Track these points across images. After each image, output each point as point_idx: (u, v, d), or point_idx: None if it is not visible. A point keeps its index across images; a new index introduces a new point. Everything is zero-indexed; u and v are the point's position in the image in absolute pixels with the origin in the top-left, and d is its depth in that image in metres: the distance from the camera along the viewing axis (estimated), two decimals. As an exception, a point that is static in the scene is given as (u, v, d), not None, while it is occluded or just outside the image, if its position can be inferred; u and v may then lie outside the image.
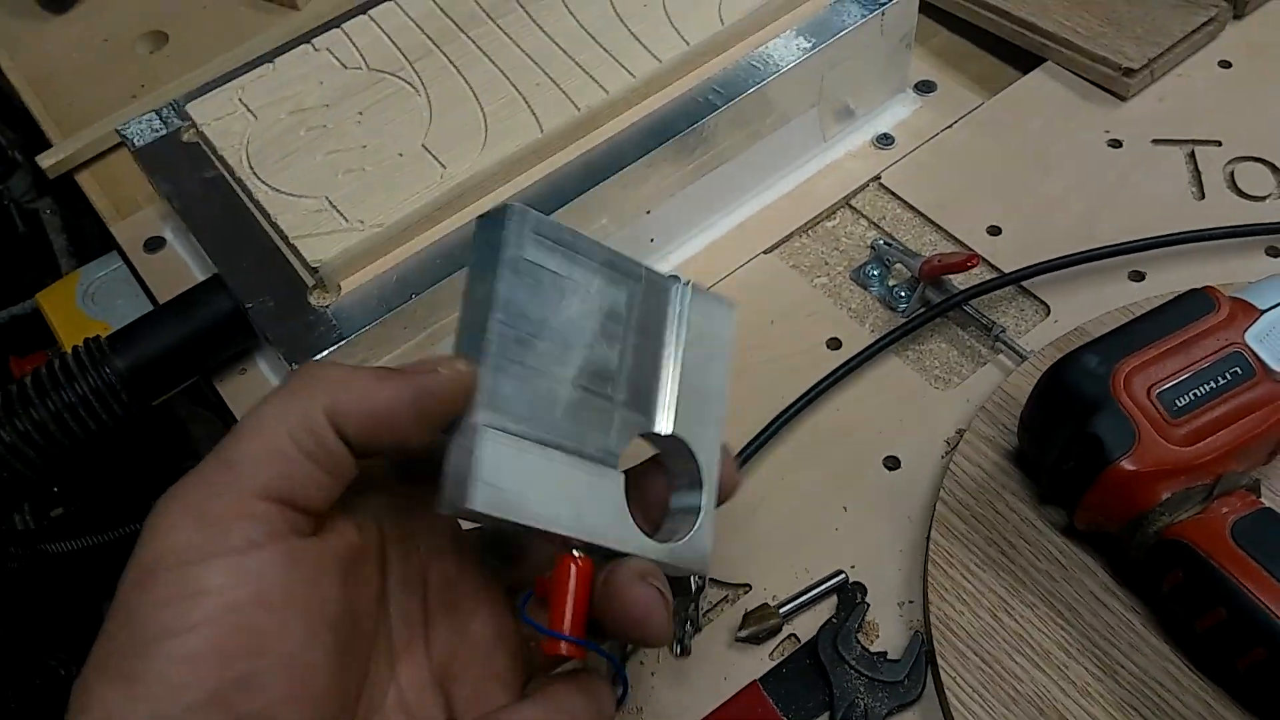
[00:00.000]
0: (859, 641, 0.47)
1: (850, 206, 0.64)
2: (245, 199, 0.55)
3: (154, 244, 0.65)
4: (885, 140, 0.65)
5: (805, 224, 0.63)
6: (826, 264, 0.61)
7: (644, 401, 0.39)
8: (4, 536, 0.70)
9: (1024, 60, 0.68)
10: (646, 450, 0.40)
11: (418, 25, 0.59)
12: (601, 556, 0.36)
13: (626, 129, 0.56)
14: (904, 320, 0.57)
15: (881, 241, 0.61)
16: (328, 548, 0.32)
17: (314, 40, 0.59)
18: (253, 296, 0.52)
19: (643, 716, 0.46)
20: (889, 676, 0.46)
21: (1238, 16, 0.68)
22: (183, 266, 0.64)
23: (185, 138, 0.58)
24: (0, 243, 0.88)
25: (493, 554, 0.39)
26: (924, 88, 0.68)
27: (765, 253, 0.62)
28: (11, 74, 0.76)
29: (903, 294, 0.59)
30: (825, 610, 0.49)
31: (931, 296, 0.58)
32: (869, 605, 0.48)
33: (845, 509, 0.52)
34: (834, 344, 0.58)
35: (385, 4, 0.60)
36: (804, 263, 0.61)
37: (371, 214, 0.52)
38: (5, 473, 0.53)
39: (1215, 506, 0.43)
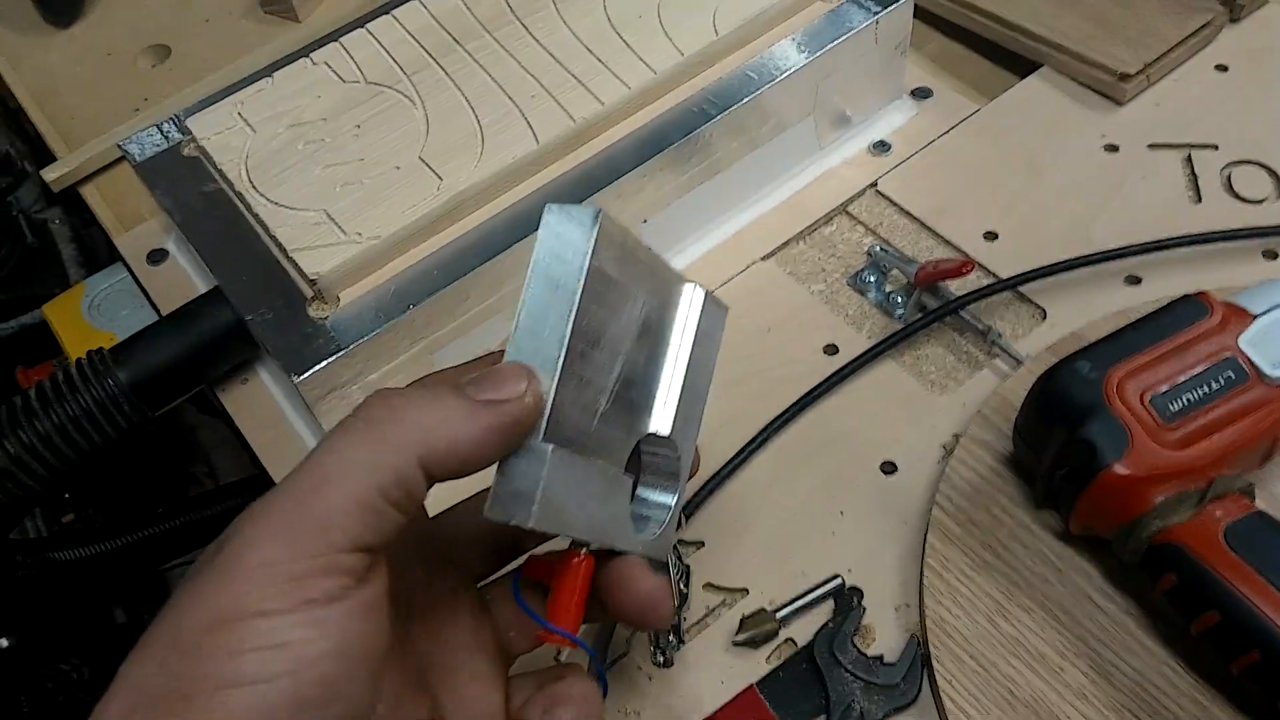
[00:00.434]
0: (855, 645, 0.47)
1: (847, 213, 0.64)
2: (245, 212, 0.55)
3: (157, 256, 0.66)
4: (881, 147, 0.66)
5: (802, 231, 0.63)
6: (823, 270, 0.62)
7: (649, 402, 0.39)
8: (11, 545, 0.71)
9: (1020, 66, 0.69)
10: None
11: (415, 39, 0.60)
12: (605, 553, 0.37)
13: (622, 139, 0.57)
14: (901, 326, 0.57)
15: (878, 248, 0.61)
16: (382, 585, 0.31)
17: (312, 54, 0.60)
18: (253, 308, 0.53)
19: (640, 722, 0.47)
20: (885, 680, 0.46)
21: (1234, 20, 0.68)
22: (185, 278, 0.64)
23: (185, 152, 0.59)
24: (9, 253, 0.89)
25: (463, 552, 0.39)
26: (920, 94, 0.68)
27: (762, 260, 0.62)
28: (15, 87, 0.77)
29: (899, 300, 0.59)
30: (822, 614, 0.49)
31: (928, 302, 0.58)
32: (865, 609, 0.49)
33: (842, 513, 0.52)
34: (831, 350, 0.58)
35: (383, 18, 0.61)
36: (801, 269, 0.62)
37: (369, 226, 0.52)
38: (10, 484, 0.53)
39: (1209, 511, 0.44)
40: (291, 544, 0.29)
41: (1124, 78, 0.65)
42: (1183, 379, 0.45)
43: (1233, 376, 0.45)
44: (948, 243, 0.61)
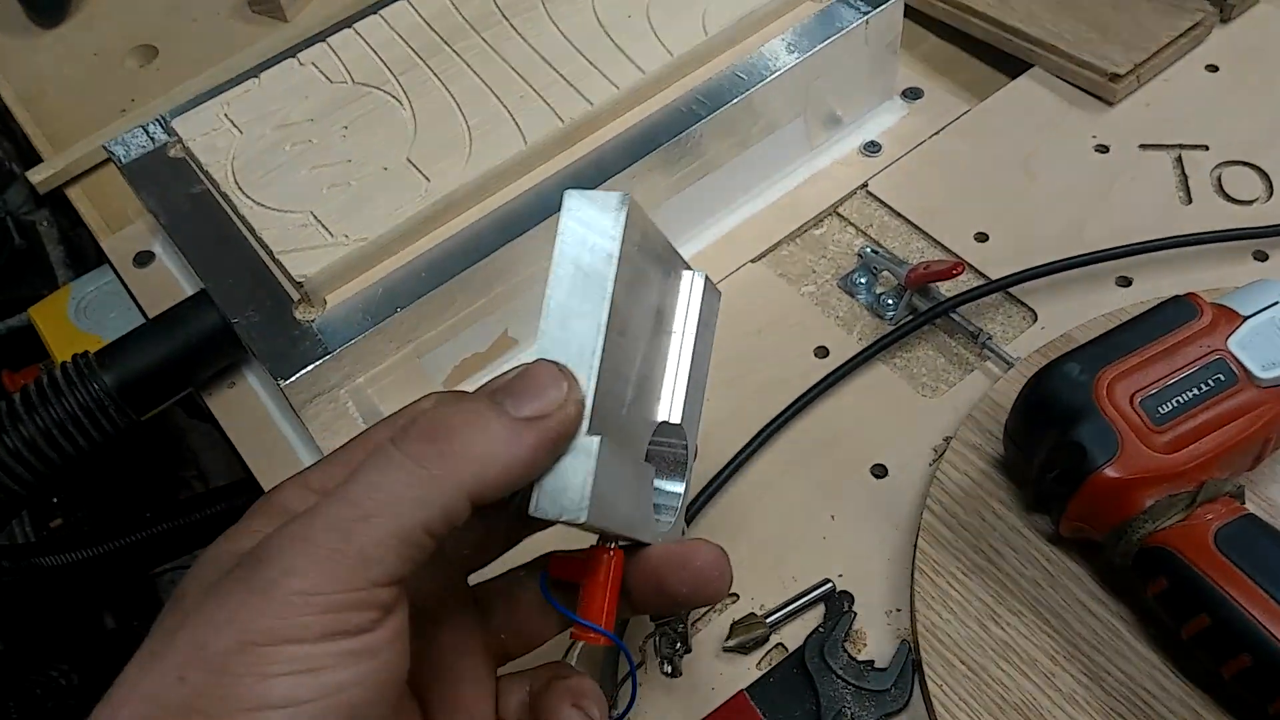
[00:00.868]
0: (846, 650, 0.47)
1: (838, 214, 0.64)
2: (231, 214, 0.55)
3: (144, 258, 0.65)
4: (872, 148, 0.66)
5: (793, 232, 0.63)
6: (814, 272, 0.61)
7: (659, 389, 0.39)
8: (-2, 551, 0.70)
9: (1011, 66, 0.68)
10: None
11: (403, 39, 0.60)
12: (628, 546, 0.37)
13: (611, 140, 0.57)
14: (891, 328, 0.57)
15: (869, 249, 0.61)
16: (405, 612, 0.31)
17: (299, 54, 0.60)
18: (239, 311, 0.52)
19: (630, 728, 0.46)
20: (876, 685, 0.46)
21: (1224, 20, 0.68)
22: (172, 281, 0.64)
23: (172, 153, 0.59)
24: (-3, 255, 0.89)
25: (452, 546, 0.39)
26: (911, 94, 0.68)
27: (753, 261, 0.62)
28: (2, 88, 0.77)
29: (890, 302, 0.59)
30: (813, 619, 0.49)
31: (918, 304, 0.58)
32: (856, 614, 0.48)
33: (833, 517, 0.52)
34: (821, 352, 0.58)
35: (370, 18, 0.61)
36: (792, 271, 0.62)
37: (356, 228, 0.52)
38: (-4, 489, 0.53)
39: (1199, 513, 0.43)
40: (332, 576, 0.29)
41: (1114, 78, 0.64)
42: (1172, 381, 0.45)
43: (1222, 379, 0.45)
44: (938, 244, 0.61)
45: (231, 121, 0.57)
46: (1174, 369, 0.45)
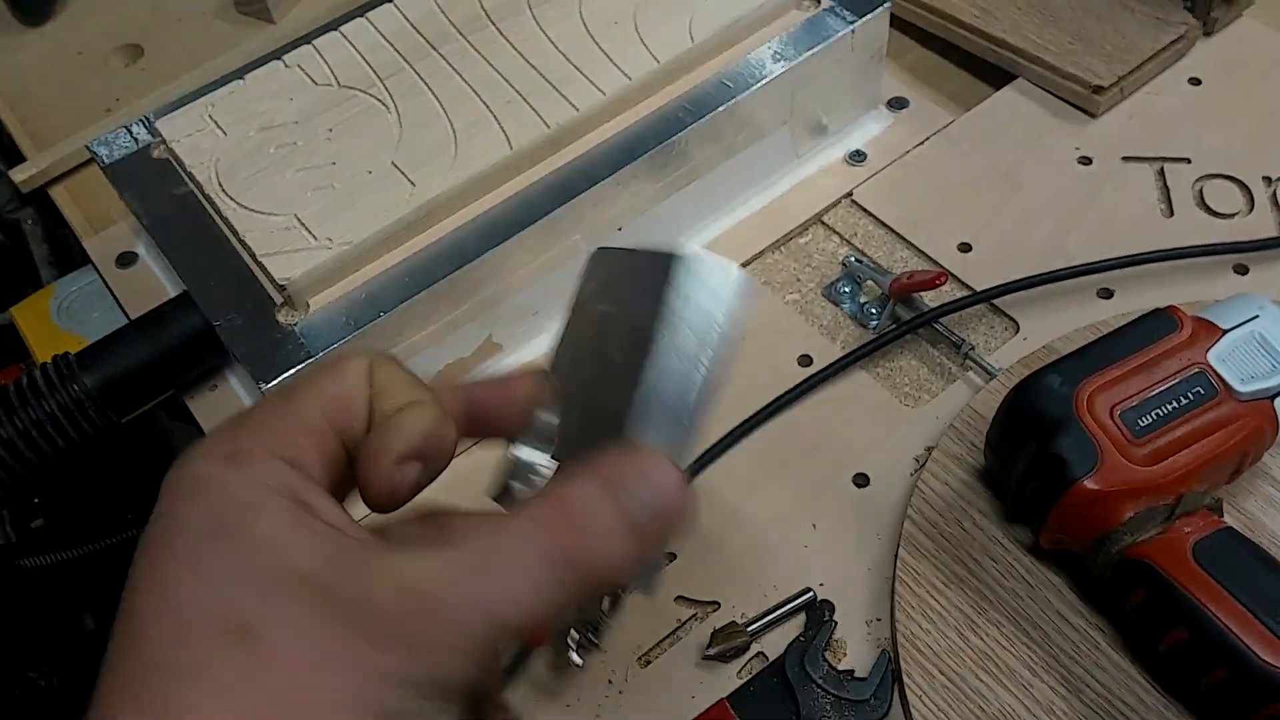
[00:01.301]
0: (826, 660, 0.47)
1: (822, 223, 0.64)
2: (214, 216, 0.55)
3: (126, 259, 0.65)
4: (857, 156, 0.66)
5: (777, 240, 0.63)
6: (798, 280, 0.61)
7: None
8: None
9: (996, 77, 0.69)
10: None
11: (389, 42, 0.59)
12: None
13: (598, 146, 0.57)
14: (874, 337, 0.57)
15: (853, 258, 0.61)
16: None
17: (285, 56, 0.59)
18: (221, 314, 0.52)
19: (609, 736, 0.46)
20: (856, 695, 0.46)
21: (1207, 34, 0.69)
22: (155, 282, 0.63)
23: (155, 154, 0.58)
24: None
25: None
26: (896, 104, 0.68)
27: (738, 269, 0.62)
28: (-15, 87, 0.76)
29: (874, 311, 0.59)
30: (793, 628, 0.49)
31: (902, 314, 0.58)
32: (837, 623, 0.48)
33: (814, 526, 0.52)
34: (805, 360, 0.58)
35: (357, 20, 0.61)
36: (776, 279, 0.62)
37: (340, 232, 0.52)
38: (-27, 490, 0.52)
39: (1177, 526, 0.44)
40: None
41: (1098, 90, 0.65)
42: (1152, 394, 0.45)
43: (1202, 391, 0.46)
44: (922, 253, 0.61)
45: (216, 123, 0.57)
46: (1154, 382, 0.46)
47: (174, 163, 0.57)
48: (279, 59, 0.59)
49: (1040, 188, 0.63)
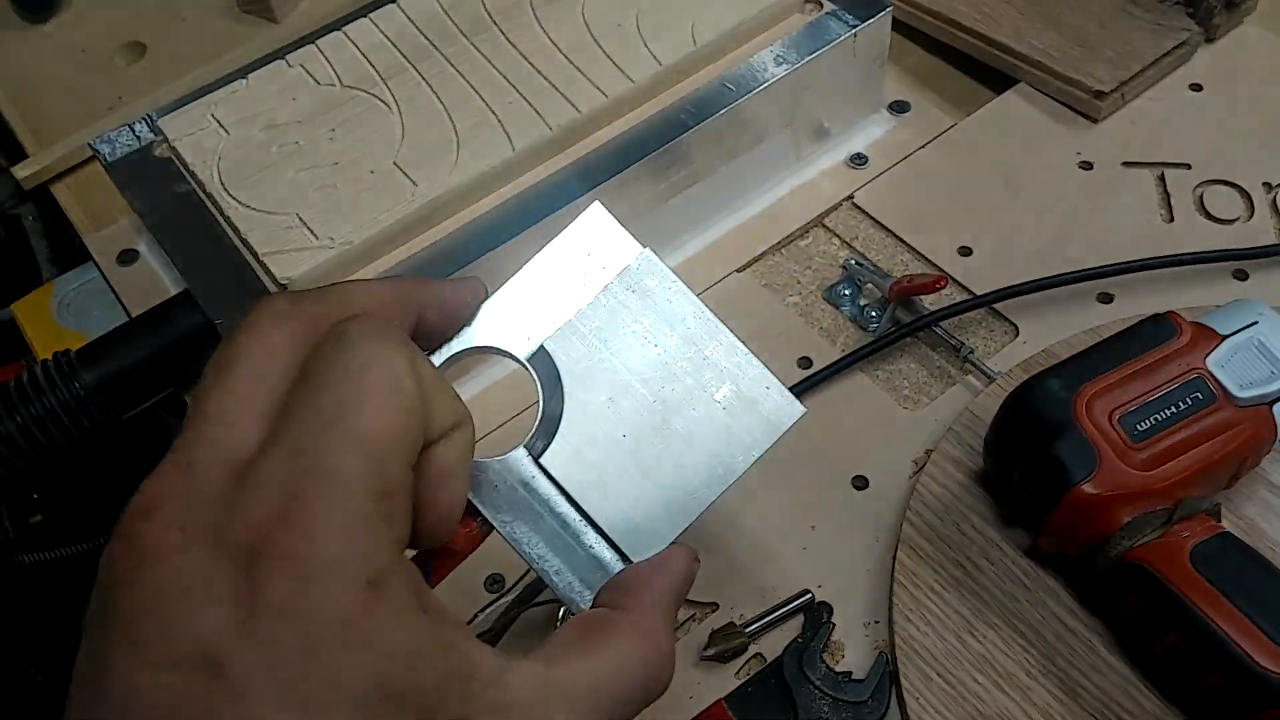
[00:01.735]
0: (824, 661, 0.47)
1: (823, 226, 0.64)
2: (216, 215, 0.55)
3: (128, 257, 0.65)
4: (859, 160, 0.66)
5: (778, 243, 0.63)
6: (799, 283, 0.62)
7: None
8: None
9: (997, 81, 0.69)
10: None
11: (392, 43, 0.60)
12: None
13: (599, 148, 0.57)
14: (874, 339, 0.57)
15: (853, 261, 0.61)
16: None
17: (288, 56, 0.59)
18: (222, 312, 0.52)
19: (607, 736, 0.46)
20: (853, 697, 0.46)
21: (1209, 40, 0.69)
22: (156, 280, 0.64)
23: (158, 153, 0.59)
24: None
25: None
26: (898, 108, 0.68)
27: (738, 271, 0.62)
28: (-11, 84, 0.76)
29: (874, 314, 0.59)
30: (791, 630, 0.49)
31: (902, 317, 0.58)
32: (835, 625, 0.49)
33: (813, 528, 0.52)
34: (805, 363, 0.58)
35: (360, 21, 0.61)
36: (776, 281, 0.62)
37: (342, 231, 0.52)
38: (-26, 485, 0.53)
39: (1175, 531, 0.44)
40: None
41: (1099, 95, 0.65)
42: (1151, 399, 0.45)
43: (1200, 397, 0.46)
44: (923, 257, 0.61)
45: (219, 122, 0.57)
46: (1153, 387, 0.46)
47: (176, 161, 0.57)
48: (282, 59, 0.60)
49: (1041, 192, 0.63)
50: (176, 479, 0.26)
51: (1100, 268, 0.57)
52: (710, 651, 0.48)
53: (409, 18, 0.61)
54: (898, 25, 0.67)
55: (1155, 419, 0.45)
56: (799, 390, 0.55)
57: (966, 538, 0.49)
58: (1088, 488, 0.44)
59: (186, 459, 0.26)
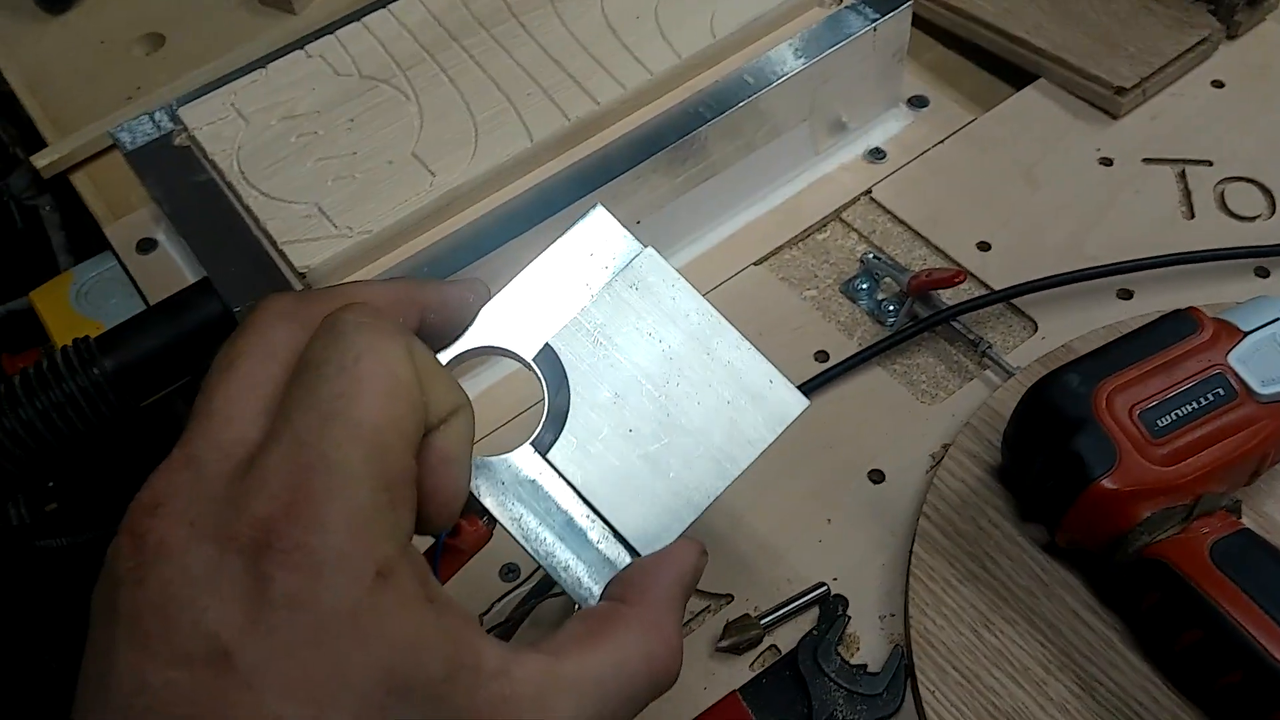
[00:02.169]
0: (839, 654, 0.47)
1: (841, 220, 0.64)
2: (235, 203, 0.55)
3: (146, 245, 0.65)
4: (877, 154, 0.66)
5: (795, 236, 0.63)
6: (816, 277, 0.61)
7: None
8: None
9: (1017, 77, 0.69)
10: None
11: (411, 34, 0.60)
12: None
13: (617, 140, 0.57)
14: (891, 334, 0.57)
15: (871, 255, 0.61)
16: None
17: (307, 46, 0.60)
18: (241, 300, 0.52)
19: (621, 727, 0.46)
20: (868, 689, 0.46)
21: (1231, 37, 0.68)
22: (175, 268, 0.64)
23: (177, 142, 0.59)
24: (-1, 238, 0.89)
25: None
26: (917, 102, 0.68)
27: (755, 264, 0.62)
28: (9, 73, 0.76)
29: (891, 308, 0.59)
30: (807, 622, 0.49)
31: (920, 311, 0.58)
32: (850, 618, 0.48)
33: (829, 521, 0.52)
34: (822, 356, 0.58)
35: (379, 12, 0.61)
36: (794, 275, 0.62)
37: (360, 221, 0.52)
38: (-9, 469, 0.53)
39: (1195, 527, 0.44)
40: None
41: (1120, 91, 0.65)
42: (1172, 394, 0.45)
43: (1221, 393, 0.45)
44: (941, 252, 0.61)
45: (238, 111, 0.57)
46: (1174, 382, 0.45)
47: (196, 150, 0.57)
48: (301, 49, 0.60)
49: (1060, 188, 0.63)
50: (182, 475, 0.26)
51: (1120, 264, 0.57)
52: (725, 643, 0.48)
53: (428, 9, 0.61)
54: (917, 20, 0.67)
55: (1176, 415, 0.45)
56: (816, 384, 0.55)
57: (983, 532, 0.49)
58: (1107, 483, 0.44)
59: (191, 455, 0.26)
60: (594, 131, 0.57)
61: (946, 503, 0.50)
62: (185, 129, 0.58)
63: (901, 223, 0.63)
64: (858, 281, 0.61)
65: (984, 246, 0.61)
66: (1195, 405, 0.45)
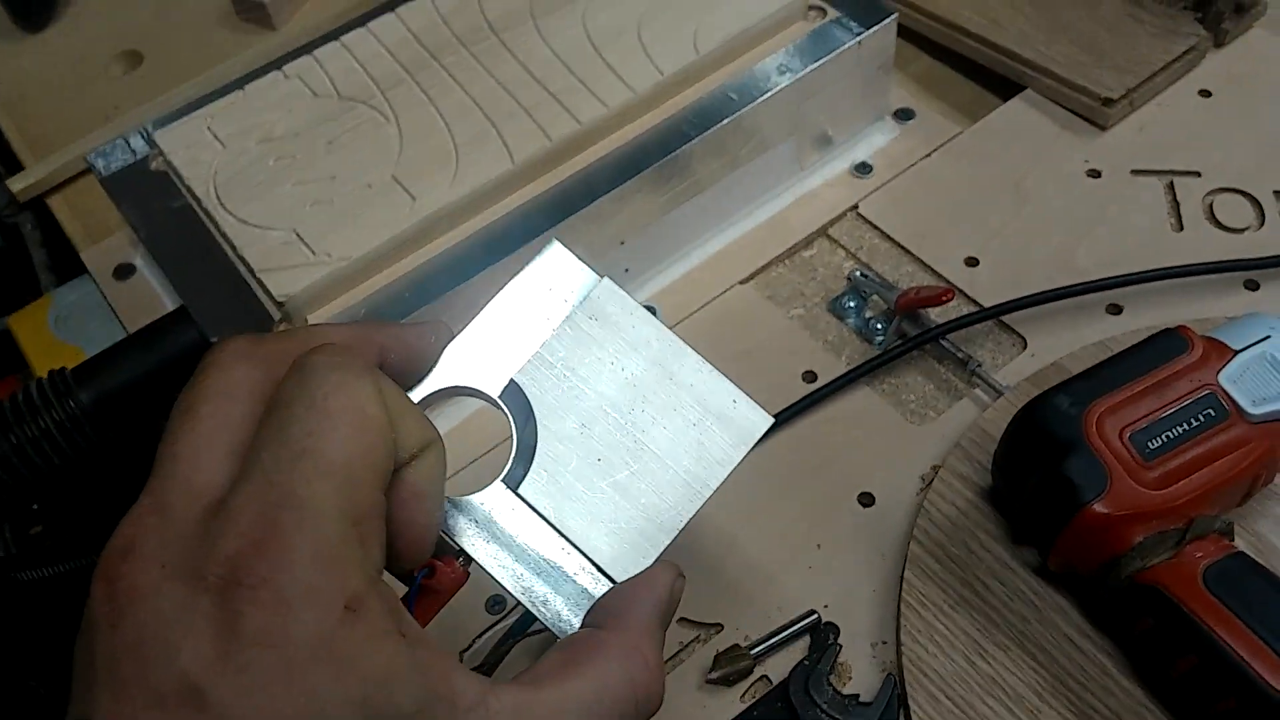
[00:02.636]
0: (831, 684, 0.46)
1: (828, 236, 0.63)
2: (213, 229, 0.54)
3: (124, 271, 0.64)
4: (863, 169, 0.65)
5: (782, 254, 0.62)
6: (803, 295, 0.61)
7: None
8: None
9: (1004, 88, 0.68)
10: None
11: (390, 53, 0.59)
12: None
13: (601, 159, 0.56)
14: (880, 353, 0.57)
15: (858, 272, 0.60)
16: None
17: (285, 67, 0.59)
18: (219, 329, 0.52)
19: (610, 761, 0.45)
20: (861, 720, 0.46)
21: (1218, 46, 0.68)
22: (153, 294, 0.63)
23: (153, 166, 0.58)
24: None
25: None
26: (903, 115, 0.67)
27: (741, 283, 0.61)
28: (-16, 93, 0.76)
29: (879, 326, 0.58)
30: (798, 651, 0.48)
31: (908, 329, 0.57)
32: (841, 646, 0.48)
33: (819, 546, 0.51)
34: (809, 376, 0.57)
35: (357, 31, 0.60)
36: (780, 293, 0.61)
37: (339, 247, 0.51)
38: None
39: (1188, 551, 0.43)
40: None
41: (1107, 102, 0.64)
42: (1162, 416, 0.45)
43: (1213, 414, 0.45)
44: (929, 268, 0.60)
45: (214, 135, 0.56)
46: (1164, 403, 0.45)
47: (172, 175, 0.57)
48: (279, 69, 0.59)
49: (1048, 201, 0.62)
50: (150, 519, 0.26)
51: (1109, 279, 0.57)
52: (715, 674, 0.47)
53: (408, 27, 0.60)
54: (902, 31, 0.66)
55: (1166, 436, 0.44)
56: (804, 405, 0.55)
57: (975, 556, 0.48)
58: (1098, 507, 0.43)
59: (159, 500, 0.27)
60: (577, 151, 0.56)
61: (937, 526, 0.49)
62: (161, 153, 0.57)
63: (888, 238, 0.62)
64: (845, 299, 0.60)
65: (972, 262, 0.60)
66: (1186, 426, 0.45)
